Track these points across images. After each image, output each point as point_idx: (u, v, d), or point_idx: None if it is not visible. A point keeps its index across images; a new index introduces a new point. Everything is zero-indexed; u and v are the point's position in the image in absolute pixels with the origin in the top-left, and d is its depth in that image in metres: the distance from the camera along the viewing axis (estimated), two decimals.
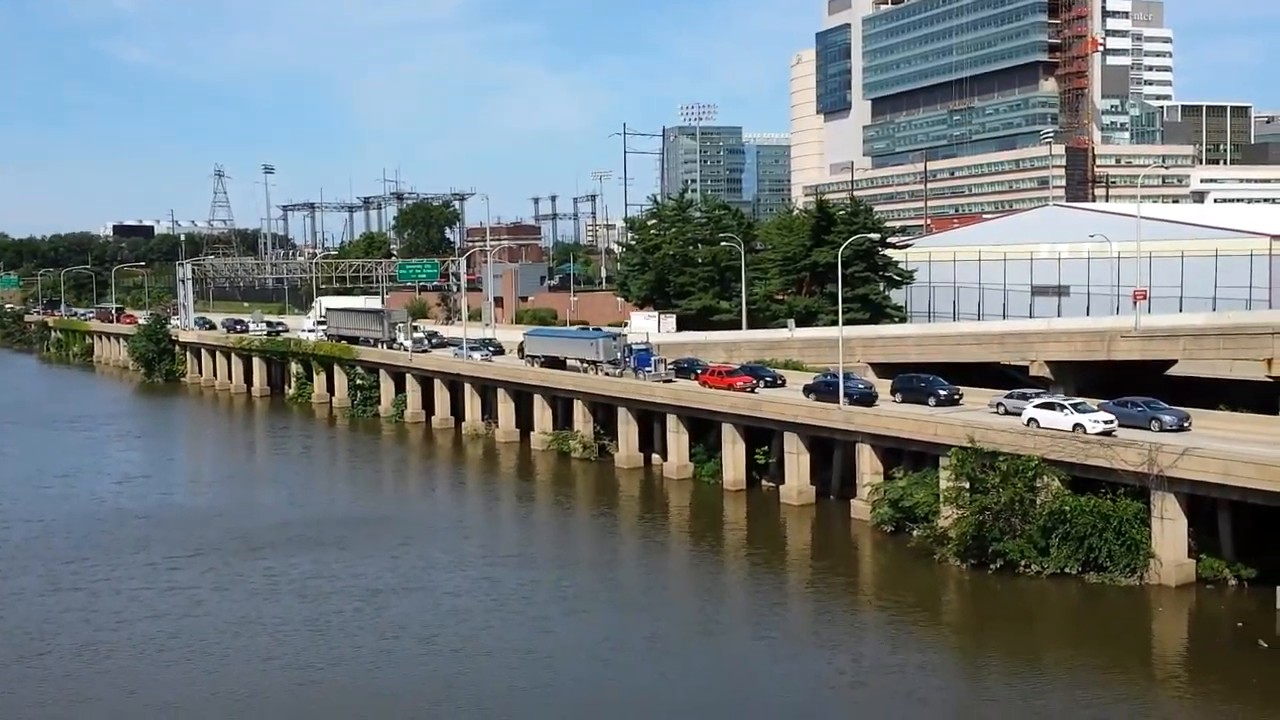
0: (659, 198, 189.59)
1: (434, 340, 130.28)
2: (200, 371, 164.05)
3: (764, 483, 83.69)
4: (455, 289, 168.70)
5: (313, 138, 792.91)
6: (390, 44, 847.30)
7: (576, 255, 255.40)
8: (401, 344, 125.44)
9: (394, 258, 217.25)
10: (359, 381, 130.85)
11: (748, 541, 73.65)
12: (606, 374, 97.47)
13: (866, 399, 77.07)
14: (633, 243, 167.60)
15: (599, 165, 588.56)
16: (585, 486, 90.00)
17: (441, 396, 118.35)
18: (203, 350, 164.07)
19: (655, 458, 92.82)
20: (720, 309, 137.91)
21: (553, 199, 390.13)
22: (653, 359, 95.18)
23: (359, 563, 67.87)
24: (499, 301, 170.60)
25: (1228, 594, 56.71)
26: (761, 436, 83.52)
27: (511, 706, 46.89)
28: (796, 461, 78.84)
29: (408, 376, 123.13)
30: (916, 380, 79.20)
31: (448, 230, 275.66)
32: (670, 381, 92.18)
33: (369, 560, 68.50)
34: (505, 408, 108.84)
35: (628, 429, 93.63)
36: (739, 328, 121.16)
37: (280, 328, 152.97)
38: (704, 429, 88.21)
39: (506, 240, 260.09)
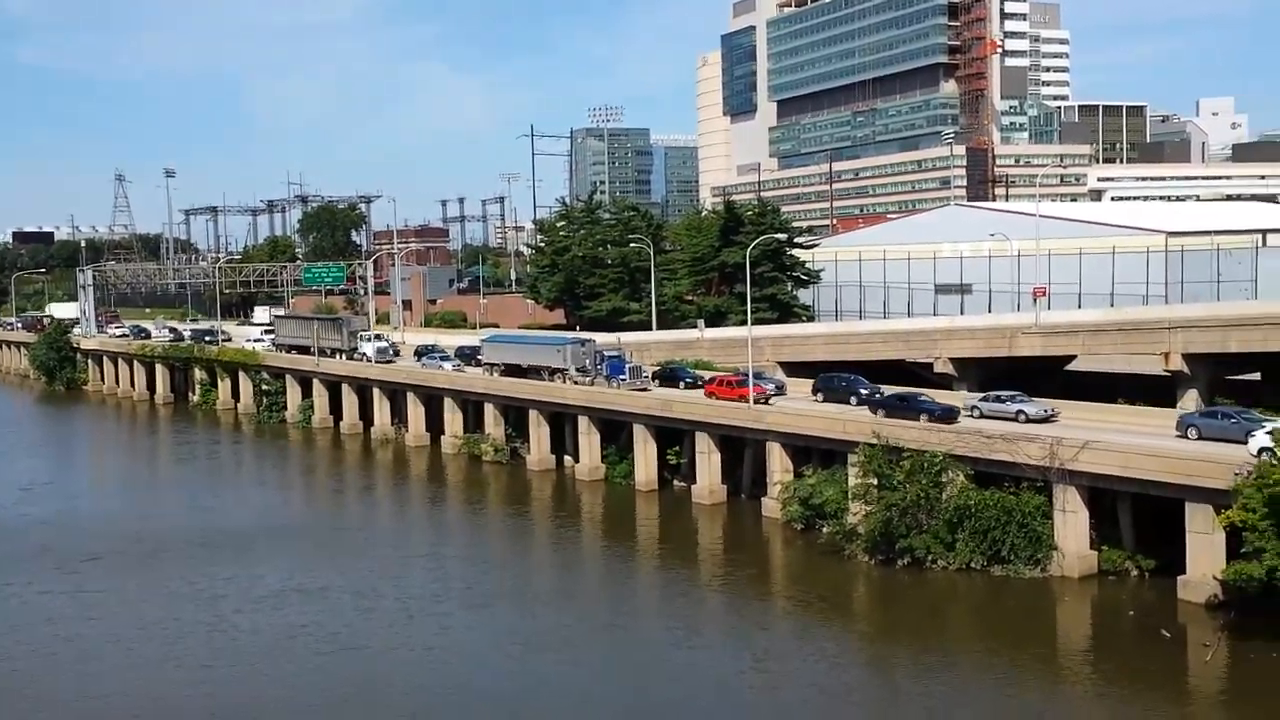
0: (568, 199, 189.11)
1: (396, 349, 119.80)
2: (103, 379, 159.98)
3: (676, 483, 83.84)
4: (362, 292, 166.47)
5: (215, 141, 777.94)
6: (292, 46, 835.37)
7: (485, 258, 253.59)
8: (363, 354, 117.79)
9: (299, 261, 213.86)
10: (264, 387, 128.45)
11: (659, 540, 73.74)
12: (576, 383, 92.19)
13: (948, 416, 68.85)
14: (542, 245, 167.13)
15: (507, 167, 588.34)
16: (497, 489, 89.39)
17: (349, 401, 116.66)
18: (104, 357, 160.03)
19: (568, 459, 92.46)
20: (630, 310, 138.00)
21: (460, 201, 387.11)
22: (627, 366, 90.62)
23: (263, 566, 67.05)
24: (407, 304, 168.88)
25: (1129, 585, 58.02)
26: (673, 436, 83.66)
27: (415, 704, 46.57)
28: (708, 461, 79.09)
29: (314, 381, 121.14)
30: (838, 380, 79.77)
31: (354, 233, 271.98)
32: (646, 390, 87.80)
33: (273, 564, 67.78)
34: (415, 412, 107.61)
35: (539, 431, 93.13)
36: (649, 329, 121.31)
37: (223, 336, 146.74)
38: (616, 430, 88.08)
39: (414, 243, 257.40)
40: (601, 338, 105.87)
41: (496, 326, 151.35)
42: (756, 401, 77.20)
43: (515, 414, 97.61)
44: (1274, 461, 48.13)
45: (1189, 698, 46.27)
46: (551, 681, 48.90)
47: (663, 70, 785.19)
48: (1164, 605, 53.91)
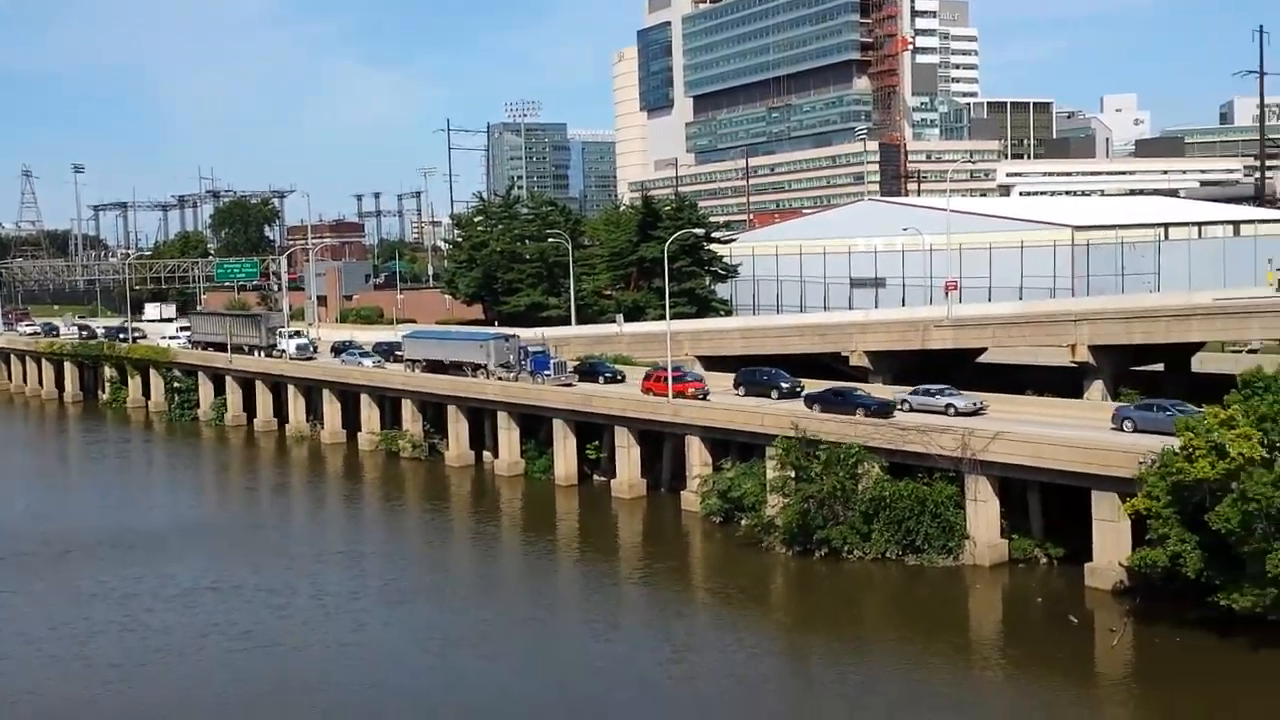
0: (485, 194, 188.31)
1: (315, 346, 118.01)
2: (10, 378, 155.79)
3: (596, 477, 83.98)
4: (276, 288, 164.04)
5: (124, 136, 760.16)
6: (205, 40, 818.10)
7: (402, 253, 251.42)
8: (283, 350, 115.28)
9: (211, 257, 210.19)
10: (176, 385, 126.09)
11: (579, 535, 73.87)
12: (500, 379, 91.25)
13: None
14: (459, 240, 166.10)
15: (424, 162, 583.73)
16: (415, 485, 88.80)
17: (264, 398, 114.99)
18: (11, 356, 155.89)
19: (487, 455, 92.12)
20: (549, 305, 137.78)
21: (376, 196, 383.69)
22: (552, 361, 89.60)
23: (176, 565, 66.05)
24: (322, 300, 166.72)
25: (1038, 572, 59.39)
26: (593, 431, 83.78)
27: (330, 701, 46.24)
28: (627, 455, 79.35)
29: (227, 379, 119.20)
30: (759, 374, 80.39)
31: (267, 228, 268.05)
32: (570, 385, 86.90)
33: (186, 563, 66.81)
34: (331, 408, 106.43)
35: (458, 427, 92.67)
36: (568, 324, 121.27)
37: (137, 334, 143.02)
38: (535, 425, 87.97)
39: (329, 238, 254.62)
40: (525, 333, 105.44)
41: (413, 322, 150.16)
42: (693, 397, 76.92)
43: (433, 410, 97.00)
44: (1175, 450, 49.54)
45: (1095, 682, 47.54)
46: (470, 677, 48.83)
47: (580, 65, 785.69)
48: (1072, 592, 55.27)
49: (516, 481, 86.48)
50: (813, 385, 77.14)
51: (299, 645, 52.67)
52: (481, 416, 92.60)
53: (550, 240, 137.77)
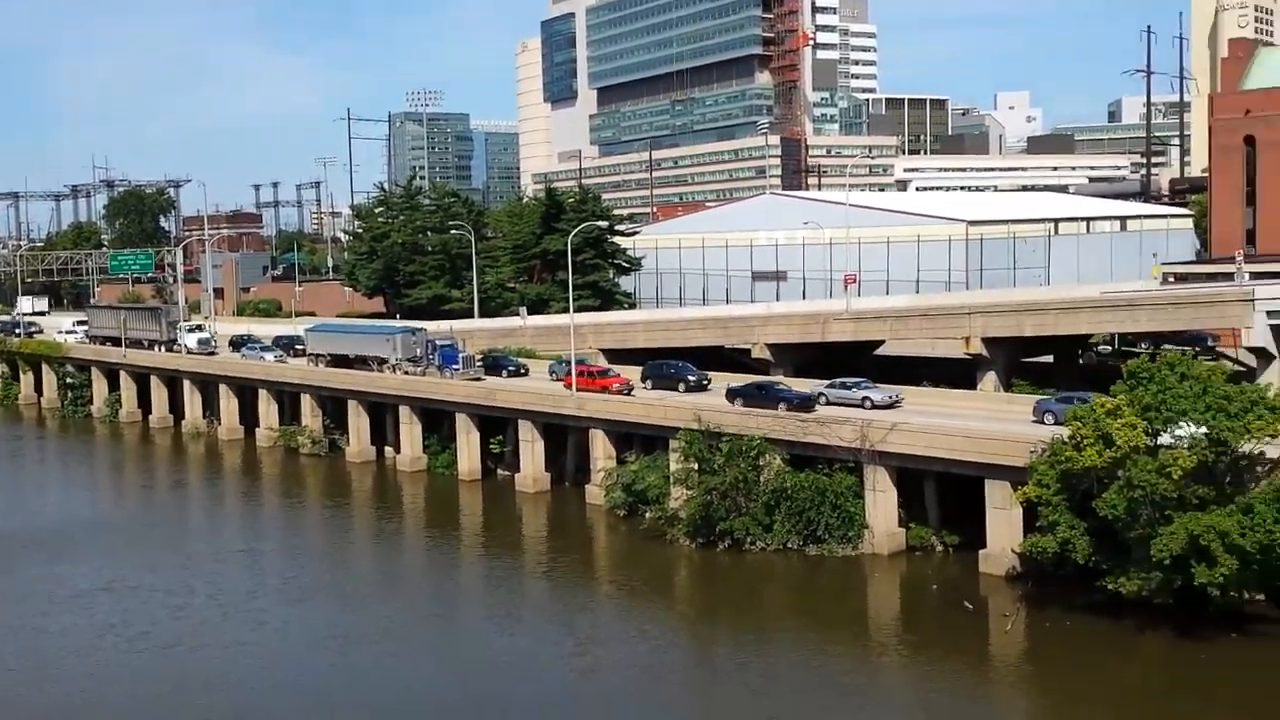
0: (386, 185, 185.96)
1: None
2: None
3: (499, 472, 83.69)
4: (171, 281, 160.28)
5: (14, 123, 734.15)
6: (99, 24, 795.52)
7: (301, 244, 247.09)
8: (183, 345, 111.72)
9: (105, 248, 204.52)
10: (69, 380, 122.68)
11: (483, 529, 73.60)
12: (406, 373, 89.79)
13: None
14: (360, 231, 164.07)
15: (323, 151, 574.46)
16: (315, 482, 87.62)
17: (159, 394, 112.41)
18: None
19: (388, 450, 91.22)
20: (452, 298, 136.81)
21: (274, 186, 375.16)
22: (461, 355, 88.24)
23: (71, 566, 64.40)
24: (219, 293, 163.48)
25: (935, 560, 60.71)
26: (496, 425, 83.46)
27: (230, 701, 45.58)
28: (531, 449, 79.20)
29: (122, 374, 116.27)
30: (666, 367, 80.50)
31: (163, 219, 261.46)
32: (480, 379, 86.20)
33: (81, 563, 65.21)
34: (228, 404, 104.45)
35: (359, 422, 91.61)
36: (471, 316, 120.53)
37: (33, 328, 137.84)
38: (437, 420, 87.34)
39: (226, 229, 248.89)
40: (432, 326, 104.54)
41: (313, 315, 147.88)
42: (619, 392, 76.07)
43: (334, 405, 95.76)
44: (1065, 440, 50.98)
45: (989, 665, 48.82)
46: (371, 675, 48.38)
47: (483, 55, 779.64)
48: (967, 578, 56.60)
49: (419, 477, 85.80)
50: (723, 379, 77.57)
51: (197, 645, 51.73)
52: (383, 411, 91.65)
53: (453, 232, 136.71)
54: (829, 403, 69.82)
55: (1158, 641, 47.54)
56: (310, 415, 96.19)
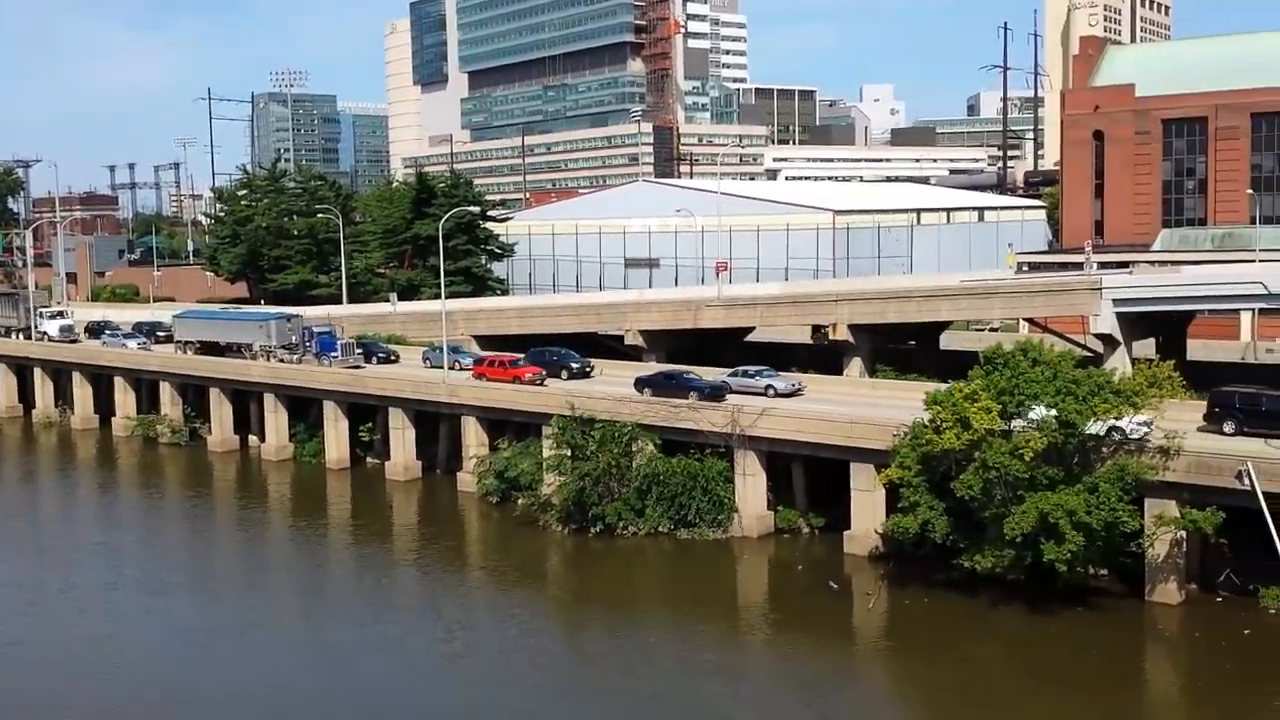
0: (250, 167, 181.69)
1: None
2: None
3: (369, 460, 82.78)
4: (21, 265, 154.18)
5: None
6: None
7: (159, 227, 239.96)
8: (44, 332, 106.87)
9: None
10: None
11: (352, 518, 72.77)
12: (282, 361, 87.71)
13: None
14: (222, 214, 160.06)
15: (183, 132, 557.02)
16: (175, 472, 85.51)
17: (7, 382, 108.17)
18: None
19: (253, 439, 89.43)
20: (319, 283, 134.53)
21: (131, 167, 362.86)
22: (339, 343, 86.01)
23: None
24: (72, 277, 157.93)
25: (802, 541, 62.10)
26: (365, 413, 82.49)
27: (83, 699, 44.38)
28: (402, 436, 78.53)
29: None
30: (548, 354, 79.83)
31: (11, 200, 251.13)
32: (360, 368, 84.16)
33: None
34: (82, 392, 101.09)
35: (221, 410, 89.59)
36: (339, 302, 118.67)
37: None
38: (304, 407, 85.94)
39: (79, 211, 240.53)
40: (309, 311, 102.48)
41: (172, 300, 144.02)
42: (531, 382, 74.12)
43: (195, 393, 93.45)
44: (925, 423, 52.64)
45: (852, 642, 50.31)
46: (234, 667, 47.64)
47: (350, 36, 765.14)
48: (832, 559, 58.09)
49: (285, 466, 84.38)
50: (603, 364, 77.61)
51: (50, 642, 50.24)
52: (247, 399, 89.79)
53: (320, 216, 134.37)
54: (732, 391, 69.30)
55: (1009, 616, 49.50)
56: (170, 404, 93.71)
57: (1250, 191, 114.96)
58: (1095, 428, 49.89)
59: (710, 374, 73.04)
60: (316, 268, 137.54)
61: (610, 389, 70.76)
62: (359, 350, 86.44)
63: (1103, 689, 43.19)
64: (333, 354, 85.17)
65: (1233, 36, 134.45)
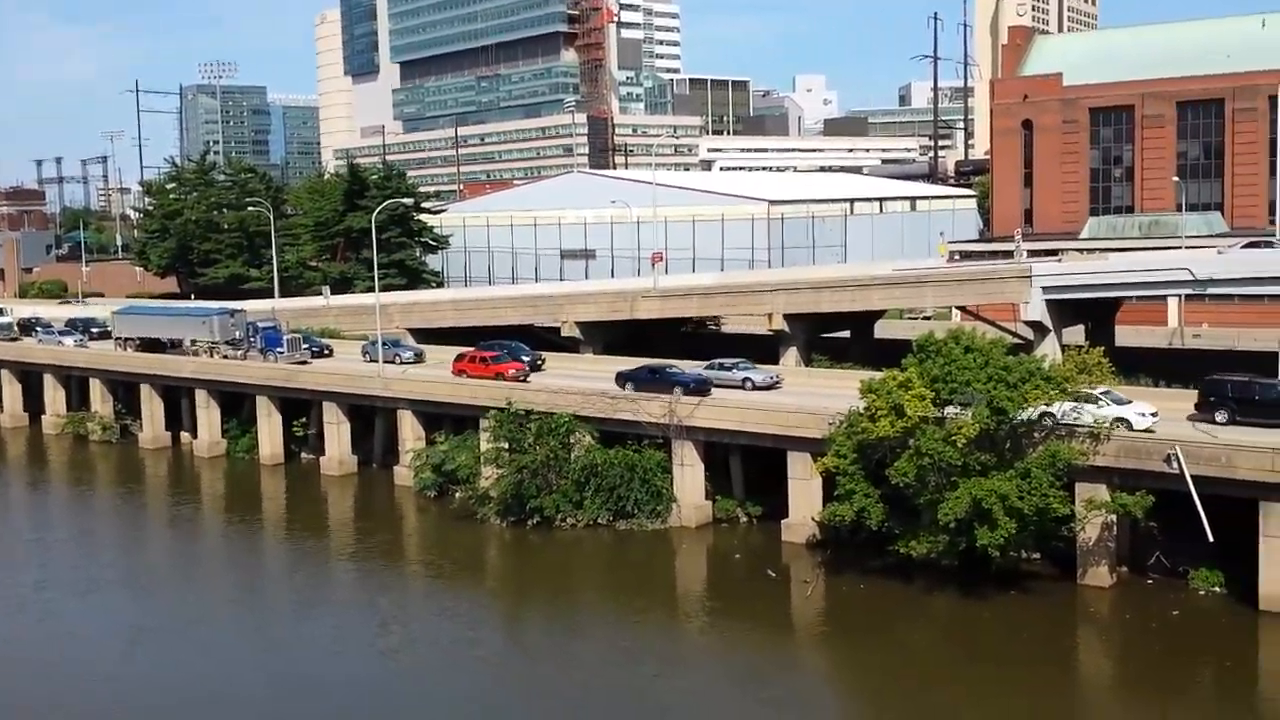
0: (179, 160, 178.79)
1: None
2: None
3: (303, 455, 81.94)
4: None
5: None
6: None
7: (88, 222, 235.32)
8: None
9: None
10: None
11: (286, 514, 72.06)
12: (225, 357, 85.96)
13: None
14: (151, 208, 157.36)
15: (110, 125, 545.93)
16: (106, 469, 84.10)
17: None
18: None
19: (185, 436, 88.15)
20: (250, 277, 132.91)
21: (58, 161, 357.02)
22: (284, 338, 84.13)
23: None
24: None
25: (740, 530, 62.47)
26: (299, 408, 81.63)
27: (14, 698, 43.66)
28: (337, 431, 77.81)
29: None
30: (499, 347, 79.09)
31: None
32: (306, 363, 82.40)
33: None
34: (10, 390, 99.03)
35: (152, 407, 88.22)
36: (271, 296, 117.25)
37: None
38: (237, 403, 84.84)
39: (6, 206, 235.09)
40: (252, 306, 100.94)
41: (102, 296, 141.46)
42: (515, 379, 71.43)
43: (126, 390, 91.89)
44: (860, 411, 53.14)
45: (790, 629, 50.70)
46: (167, 664, 46.99)
47: (280, 26, 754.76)
48: (770, 547, 58.49)
49: (218, 462, 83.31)
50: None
51: None
52: (178, 395, 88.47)
53: (250, 209, 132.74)
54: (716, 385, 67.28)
55: (944, 600, 50.17)
56: (101, 401, 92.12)
57: (1176, 179, 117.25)
58: (1027, 413, 50.41)
59: (691, 367, 70.58)
60: (247, 261, 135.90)
61: (566, 382, 70.11)
62: (305, 345, 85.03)
63: (1036, 670, 43.95)
64: (278, 349, 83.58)
65: (1158, 26, 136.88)
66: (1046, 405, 50.78)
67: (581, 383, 69.04)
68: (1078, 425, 50.66)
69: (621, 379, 67.61)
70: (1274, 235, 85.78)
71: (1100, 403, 51.91)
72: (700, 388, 64.91)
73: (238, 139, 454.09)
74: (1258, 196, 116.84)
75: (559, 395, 66.98)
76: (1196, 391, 55.13)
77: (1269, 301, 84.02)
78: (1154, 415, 51.58)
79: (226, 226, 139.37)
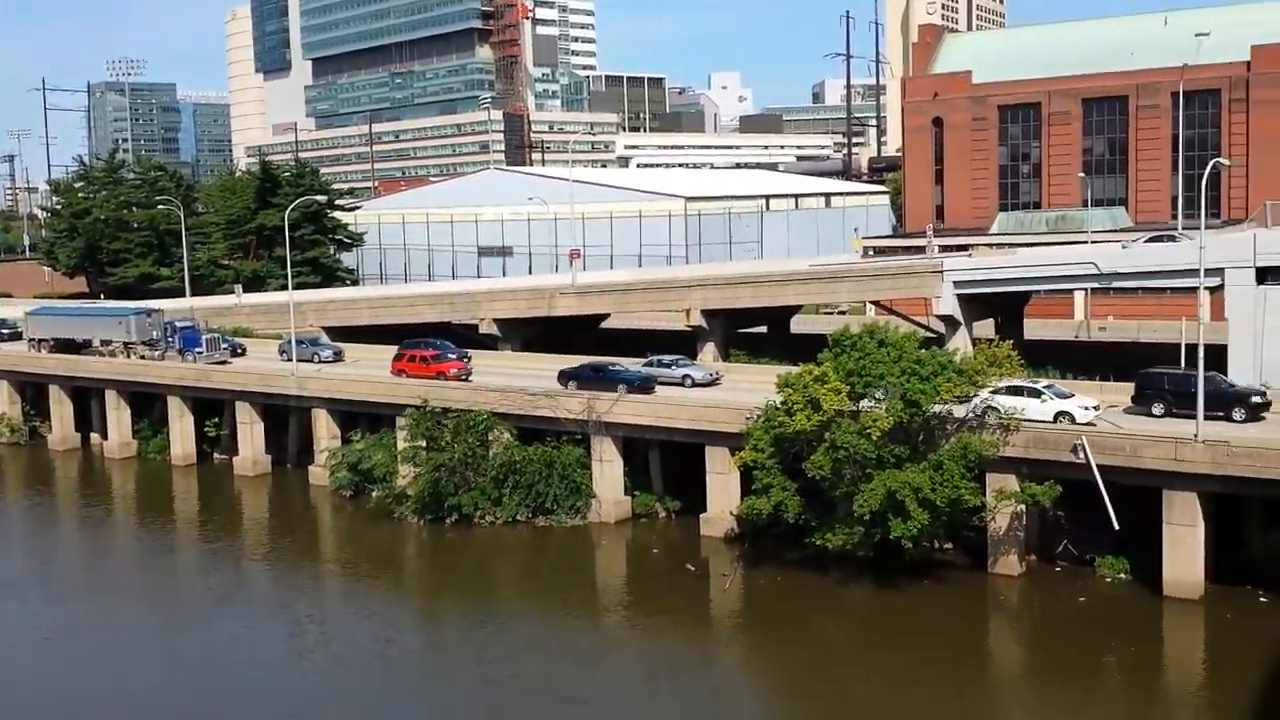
0: (87, 158, 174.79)
1: None
2: None
3: (216, 456, 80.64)
4: None
5: None
6: None
7: None
8: None
9: None
10: None
11: (199, 515, 70.85)
12: (143, 357, 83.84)
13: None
14: (59, 207, 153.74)
15: (17, 123, 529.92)
16: (14, 472, 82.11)
17: None
18: None
19: (95, 437, 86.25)
20: (161, 276, 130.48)
21: None
22: (204, 338, 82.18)
23: None
24: None
25: (659, 525, 62.70)
26: (212, 408, 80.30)
27: None
28: (250, 431, 76.69)
29: None
30: (426, 345, 78.39)
31: None
32: (226, 363, 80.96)
33: None
34: None
35: (61, 408, 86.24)
36: (182, 295, 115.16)
37: None
38: (148, 403, 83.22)
39: None
40: (170, 306, 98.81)
41: (9, 296, 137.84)
42: (457, 377, 70.15)
43: (34, 391, 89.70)
44: (777, 405, 53.66)
45: (709, 622, 51.05)
46: (81, 671, 46.00)
47: (189, 23, 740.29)
48: (689, 542, 58.83)
49: (129, 464, 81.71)
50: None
51: None
52: (88, 396, 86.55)
53: (161, 207, 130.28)
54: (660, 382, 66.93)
55: (860, 591, 50.90)
56: (8, 402, 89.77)
57: (1082, 175, 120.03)
58: (939, 406, 51.30)
59: (631, 364, 69.73)
60: (158, 260, 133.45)
61: (501, 380, 69.42)
62: (225, 345, 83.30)
63: (948, 659, 44.82)
64: (197, 349, 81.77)
65: (1065, 24, 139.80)
66: (959, 398, 51.47)
67: (518, 380, 68.33)
68: (1028, 420, 51.13)
69: (564, 377, 66.96)
70: (1176, 229, 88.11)
71: (1043, 397, 52.92)
72: (645, 386, 64.50)
73: (147, 137, 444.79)
74: (1161, 191, 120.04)
75: (477, 392, 66.74)
76: (1102, 382, 56.59)
77: (1171, 294, 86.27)
78: (1096, 409, 52.53)
79: (136, 225, 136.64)
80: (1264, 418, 51.80)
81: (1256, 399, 52.60)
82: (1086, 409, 52.43)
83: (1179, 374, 53.96)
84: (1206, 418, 48.53)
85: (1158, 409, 53.03)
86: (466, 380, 69.97)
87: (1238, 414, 51.67)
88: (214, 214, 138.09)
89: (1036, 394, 53.13)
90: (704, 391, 65.77)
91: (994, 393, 52.72)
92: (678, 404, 61.45)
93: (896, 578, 50.96)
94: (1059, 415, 52.06)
